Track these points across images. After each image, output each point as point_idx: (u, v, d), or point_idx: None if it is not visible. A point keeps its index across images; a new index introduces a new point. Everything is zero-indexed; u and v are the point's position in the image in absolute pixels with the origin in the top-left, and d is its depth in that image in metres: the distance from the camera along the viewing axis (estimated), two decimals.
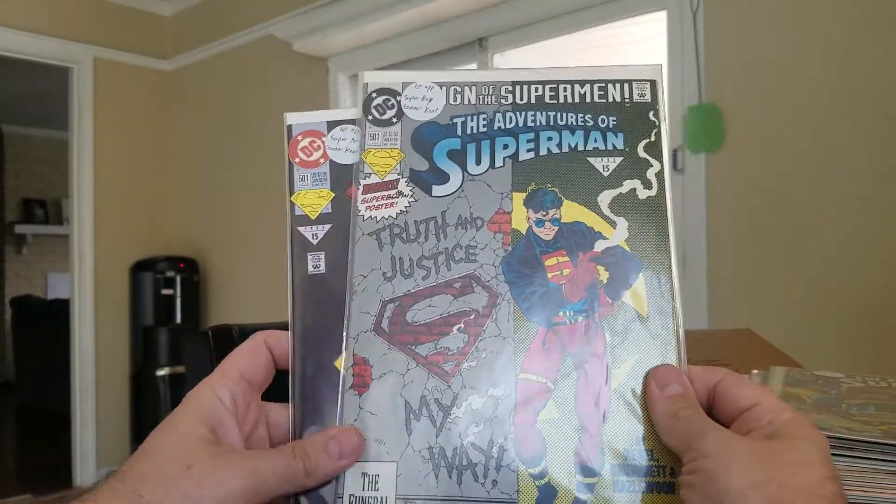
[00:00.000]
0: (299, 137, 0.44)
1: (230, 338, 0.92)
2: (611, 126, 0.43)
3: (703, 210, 1.91)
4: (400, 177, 0.43)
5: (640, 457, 0.38)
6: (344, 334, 0.41)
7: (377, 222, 0.42)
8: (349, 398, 0.40)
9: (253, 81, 3.28)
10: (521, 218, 0.42)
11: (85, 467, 3.41)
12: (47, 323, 4.68)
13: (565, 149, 0.43)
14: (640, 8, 2.11)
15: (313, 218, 0.43)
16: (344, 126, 0.44)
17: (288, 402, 0.41)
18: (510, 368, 0.39)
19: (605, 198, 0.42)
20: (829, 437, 0.51)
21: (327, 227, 0.43)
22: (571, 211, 0.42)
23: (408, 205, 0.42)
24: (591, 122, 0.43)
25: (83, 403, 3.43)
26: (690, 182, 1.93)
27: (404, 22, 2.59)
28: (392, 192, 0.42)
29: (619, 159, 0.42)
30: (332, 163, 0.44)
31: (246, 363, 0.41)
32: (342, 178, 0.44)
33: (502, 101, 0.44)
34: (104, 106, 3.47)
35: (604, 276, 0.40)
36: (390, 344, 0.40)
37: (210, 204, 3.56)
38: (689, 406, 0.37)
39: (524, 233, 0.41)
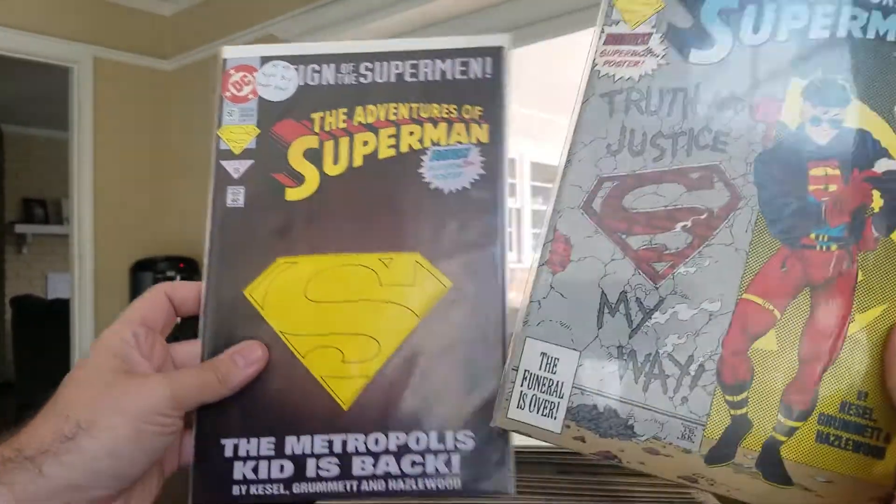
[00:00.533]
0: (231, 71, 0.44)
1: None
2: None
3: None
4: (654, 31, 0.36)
5: (857, 413, 0.34)
6: (550, 207, 0.37)
7: (614, 82, 0.36)
8: (543, 274, 0.36)
9: None
10: (794, 110, 0.34)
11: None
12: (47, 323, 4.67)
13: (870, 35, 0.34)
14: None
15: (236, 153, 0.44)
16: (276, 62, 0.44)
17: (194, 339, 0.45)
18: (734, 285, 0.34)
19: None
20: None
21: (249, 162, 0.45)
22: (859, 115, 0.34)
23: (656, 67, 0.35)
24: None
25: None
26: None
27: (404, 22, 2.59)
28: (640, 49, 0.36)
29: None
30: (261, 99, 0.44)
31: (145, 309, 0.45)
32: (270, 114, 0.44)
33: None
34: (104, 106, 3.47)
35: (877, 203, 0.34)
36: (598, 227, 0.36)
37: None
38: None
39: (794, 129, 0.34)
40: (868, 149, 0.34)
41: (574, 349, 0.35)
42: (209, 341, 0.44)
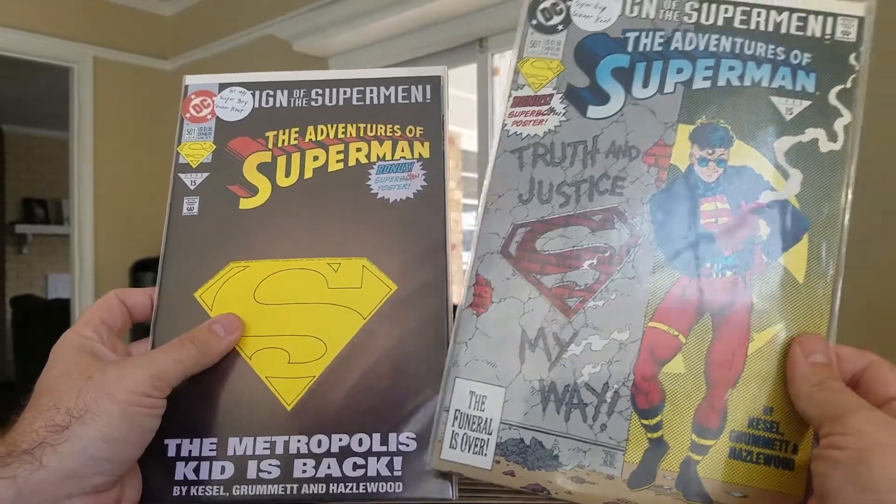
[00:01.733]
0: (192, 96, 0.48)
1: None
2: (803, 64, 0.38)
3: None
4: (555, 92, 0.40)
5: (765, 427, 0.35)
6: (471, 252, 0.40)
7: (521, 139, 0.40)
8: (466, 316, 0.39)
9: None
10: (683, 153, 0.38)
11: None
12: (47, 323, 4.67)
13: (747, 82, 0.38)
14: None
15: (193, 166, 0.47)
16: (233, 88, 0.48)
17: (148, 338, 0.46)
18: (640, 314, 0.37)
19: (782, 144, 0.37)
20: None
21: (205, 174, 0.47)
22: (741, 153, 0.37)
23: (558, 124, 0.39)
24: (782, 57, 0.38)
25: None
26: None
27: (404, 22, 2.59)
28: (543, 109, 0.40)
29: (806, 103, 0.38)
30: (219, 119, 0.48)
31: (102, 311, 0.46)
32: (226, 133, 0.47)
33: (685, 18, 0.39)
34: (104, 106, 3.47)
35: (764, 231, 0.37)
36: (515, 269, 0.39)
37: None
38: (834, 377, 0.35)
39: (683, 170, 0.38)
40: (752, 183, 0.37)
41: (500, 385, 0.37)
42: (158, 334, 0.45)
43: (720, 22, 0.39)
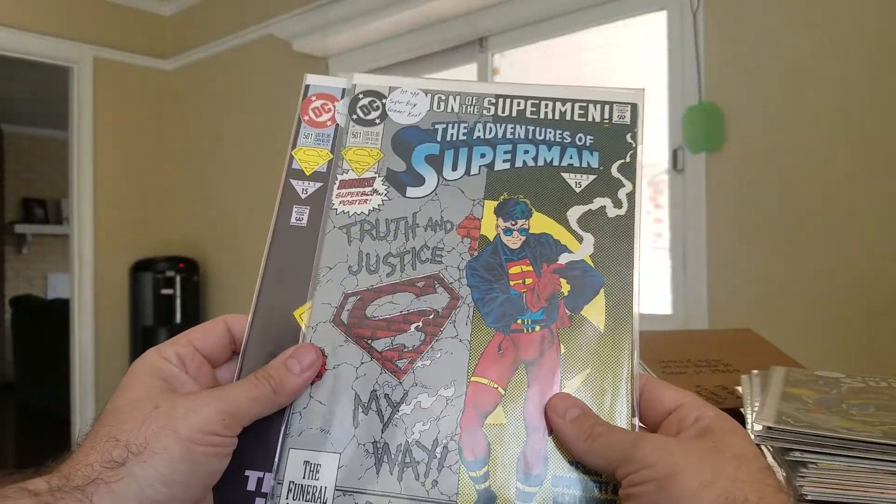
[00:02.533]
0: (313, 98, 0.46)
1: None
2: (587, 144, 0.44)
3: (702, 210, 1.90)
4: (377, 175, 0.44)
5: (583, 469, 0.38)
6: (303, 325, 0.41)
7: (349, 217, 0.43)
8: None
9: (253, 81, 3.28)
10: (490, 225, 0.43)
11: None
12: (47, 323, 4.67)
13: (541, 163, 0.44)
14: (640, 8, 2.11)
15: (307, 174, 0.45)
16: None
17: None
18: (463, 371, 0.40)
19: (574, 213, 0.43)
20: (828, 437, 0.51)
21: (318, 184, 0.45)
22: (540, 223, 0.43)
23: (381, 203, 0.43)
24: (569, 139, 0.44)
25: (83, 403, 3.43)
26: (690, 182, 1.93)
27: (404, 22, 2.59)
28: (367, 189, 0.44)
29: (592, 177, 0.44)
30: (339, 127, 0.46)
31: (198, 333, 0.42)
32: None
33: (484, 111, 0.45)
34: (104, 106, 3.47)
35: (565, 288, 0.41)
36: (347, 336, 0.41)
37: (210, 204, 3.56)
38: (598, 423, 0.38)
39: (491, 239, 0.42)
40: (551, 247, 0.42)
41: (334, 452, 0.39)
42: (248, 357, 0.42)
43: (514, 113, 0.45)
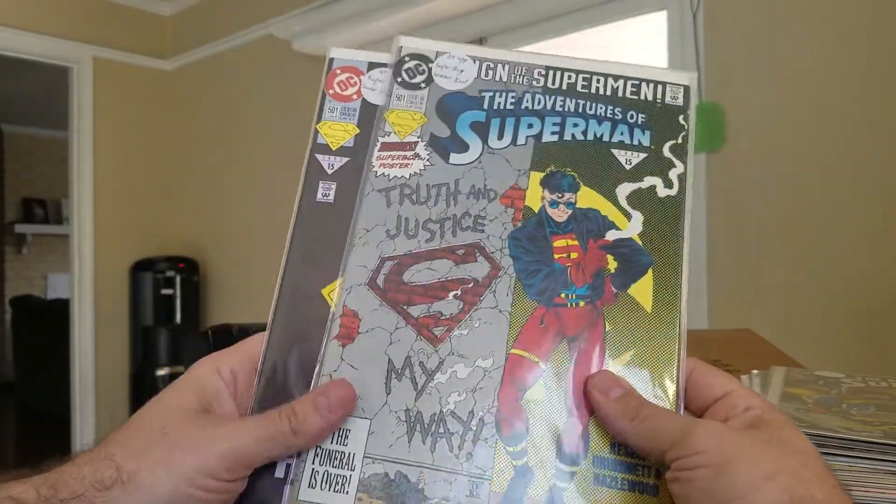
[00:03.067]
0: (338, 71, 0.45)
1: (230, 337, 0.92)
2: (639, 122, 0.43)
3: (702, 210, 1.91)
4: (419, 140, 0.43)
5: (626, 452, 0.36)
6: (338, 285, 0.40)
7: (389, 180, 0.42)
8: (332, 348, 0.39)
9: (253, 81, 3.28)
10: (535, 196, 0.41)
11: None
12: (47, 323, 4.67)
13: (590, 137, 0.43)
14: (640, 8, 2.11)
15: (333, 149, 0.44)
16: (384, 69, 0.45)
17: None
18: (502, 341, 0.39)
19: (623, 190, 0.42)
20: (829, 437, 0.51)
21: (345, 160, 0.43)
22: (588, 197, 0.41)
23: (423, 167, 0.42)
24: (620, 116, 0.43)
25: (83, 403, 3.43)
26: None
27: (404, 22, 2.59)
28: (409, 154, 0.42)
29: (643, 155, 0.43)
30: (365, 101, 0.45)
31: (258, 345, 0.40)
32: (371, 117, 0.44)
33: (534, 82, 0.44)
34: (104, 106, 3.47)
35: (612, 265, 0.40)
36: (382, 300, 0.40)
37: (210, 204, 3.56)
38: (644, 404, 0.36)
39: (536, 211, 0.41)
40: (599, 223, 0.41)
41: (365, 418, 0.37)
42: (273, 339, 0.40)
43: (565, 86, 0.44)
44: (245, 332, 0.95)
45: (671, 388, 0.38)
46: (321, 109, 0.44)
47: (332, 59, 0.46)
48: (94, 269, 3.46)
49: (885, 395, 0.64)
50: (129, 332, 3.53)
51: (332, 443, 0.37)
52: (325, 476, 0.36)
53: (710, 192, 1.89)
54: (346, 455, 0.37)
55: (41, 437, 4.57)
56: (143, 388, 3.41)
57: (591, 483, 0.36)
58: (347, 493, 0.36)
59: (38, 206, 6.49)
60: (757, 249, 1.81)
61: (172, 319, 3.43)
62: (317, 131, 0.43)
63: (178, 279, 3.45)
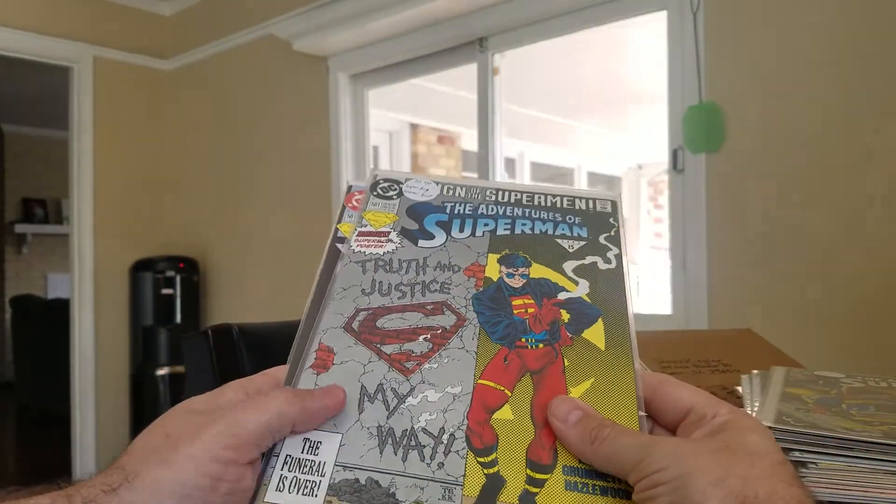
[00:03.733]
0: (355, 193, 0.55)
1: (230, 337, 0.92)
2: (576, 222, 0.52)
3: (702, 210, 1.91)
4: (392, 230, 0.51)
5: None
6: (313, 330, 0.44)
7: (365, 255, 0.49)
8: (306, 375, 0.42)
9: (253, 81, 3.28)
10: (493, 270, 0.48)
11: (85, 467, 3.41)
12: (47, 323, 4.67)
13: (537, 231, 0.51)
14: (640, 8, 2.11)
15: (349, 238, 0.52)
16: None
17: None
18: (469, 373, 0.42)
19: (569, 265, 0.48)
20: (828, 437, 0.51)
21: None
22: (539, 271, 0.48)
23: (395, 248, 0.50)
24: (560, 218, 0.52)
25: (83, 403, 3.43)
26: (690, 182, 1.93)
27: (404, 22, 2.59)
28: (382, 239, 0.50)
29: (582, 242, 0.50)
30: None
31: (282, 372, 0.42)
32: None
33: (487, 197, 0.54)
34: (104, 106, 3.47)
35: (565, 316, 0.45)
36: (357, 339, 0.43)
37: (210, 204, 3.56)
38: (604, 424, 0.37)
39: (495, 280, 0.47)
40: (550, 287, 0.47)
41: (337, 432, 0.39)
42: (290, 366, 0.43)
43: (513, 200, 0.53)
44: (245, 332, 0.95)
45: (632, 409, 0.40)
46: (341, 216, 0.53)
47: (350, 185, 0.55)
48: (94, 269, 3.46)
49: (885, 395, 0.64)
50: (129, 332, 3.53)
51: (302, 452, 0.38)
52: (294, 481, 0.37)
53: (710, 192, 1.89)
54: (317, 463, 0.38)
55: (41, 436, 4.57)
56: (143, 388, 3.41)
57: (562, 488, 0.37)
58: (316, 496, 0.37)
59: (38, 206, 6.49)
60: (757, 249, 1.81)
61: (172, 319, 3.43)
62: (337, 229, 0.52)
63: (178, 279, 3.45)
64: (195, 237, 3.63)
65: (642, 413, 0.39)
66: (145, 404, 3.40)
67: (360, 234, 0.50)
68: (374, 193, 0.54)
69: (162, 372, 3.33)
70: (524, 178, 5.43)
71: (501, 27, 2.46)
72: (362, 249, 0.49)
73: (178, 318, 3.43)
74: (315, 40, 2.81)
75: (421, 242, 0.50)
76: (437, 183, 0.55)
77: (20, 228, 6.38)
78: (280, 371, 0.42)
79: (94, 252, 3.45)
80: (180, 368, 3.33)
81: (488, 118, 2.55)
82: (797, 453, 0.52)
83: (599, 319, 0.45)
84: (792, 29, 1.76)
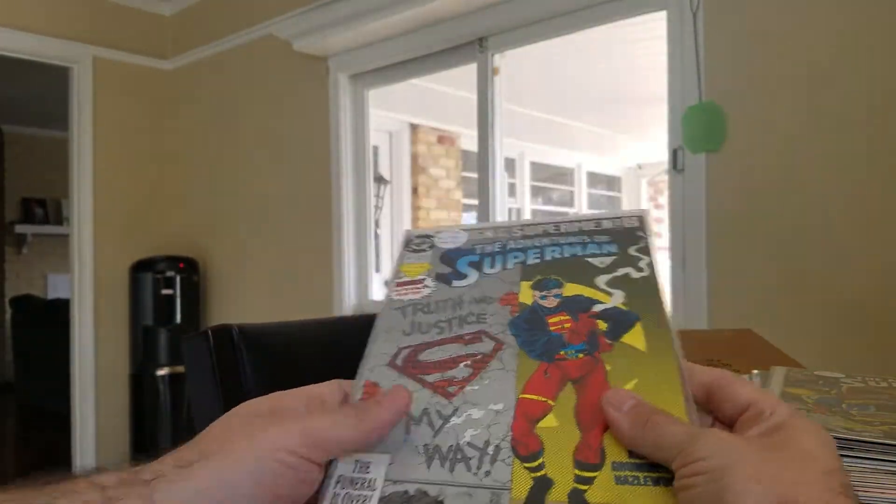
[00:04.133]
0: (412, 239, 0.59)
1: (230, 338, 0.92)
2: (605, 241, 0.52)
3: (702, 210, 1.91)
4: (427, 277, 0.53)
5: (643, 458, 0.38)
6: (360, 369, 0.46)
7: (404, 302, 0.51)
8: None
9: (253, 81, 3.28)
10: (527, 296, 0.49)
11: (84, 467, 3.41)
12: (47, 323, 4.68)
13: (567, 255, 0.52)
14: (640, 8, 2.11)
15: (411, 277, 0.56)
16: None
17: None
18: (511, 391, 0.42)
19: (601, 279, 0.49)
20: None
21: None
22: (572, 289, 0.48)
23: (431, 292, 0.52)
24: (588, 240, 0.53)
25: (83, 403, 3.43)
26: (690, 182, 1.93)
27: (404, 22, 2.59)
28: (419, 286, 0.53)
29: (613, 257, 0.50)
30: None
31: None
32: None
33: (513, 234, 0.56)
34: (104, 106, 3.47)
35: (602, 326, 0.45)
36: (401, 374, 0.45)
37: (210, 204, 3.56)
38: (656, 412, 0.37)
39: (530, 304, 0.48)
40: (585, 302, 0.47)
41: (385, 452, 0.41)
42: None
43: (540, 232, 0.55)
44: (245, 332, 0.95)
45: (679, 403, 0.39)
46: (401, 259, 0.57)
47: (408, 235, 0.60)
48: (94, 269, 3.46)
49: (885, 395, 0.64)
50: (129, 332, 3.53)
51: (353, 472, 0.40)
52: (347, 496, 0.39)
53: (710, 192, 1.89)
54: (367, 480, 0.40)
55: (41, 436, 4.57)
56: (143, 388, 3.41)
57: (612, 483, 0.37)
58: None
59: (38, 206, 6.49)
60: (757, 249, 1.81)
61: (172, 319, 3.43)
62: (398, 270, 0.56)
63: (178, 279, 3.45)
64: (195, 237, 3.63)
65: (691, 405, 0.39)
66: (145, 404, 3.40)
67: (398, 284, 0.53)
68: (408, 249, 0.57)
69: (162, 372, 3.33)
70: (524, 178, 5.43)
71: (501, 27, 2.46)
72: (401, 297, 0.52)
73: (178, 319, 3.43)
74: (315, 40, 2.81)
75: (455, 283, 0.52)
76: (466, 230, 0.58)
77: (20, 228, 6.38)
78: (346, 385, 0.45)
79: (94, 252, 3.46)
80: (180, 369, 3.33)
81: (488, 118, 2.55)
82: None
83: (638, 323, 0.45)
84: (792, 28, 1.76)
